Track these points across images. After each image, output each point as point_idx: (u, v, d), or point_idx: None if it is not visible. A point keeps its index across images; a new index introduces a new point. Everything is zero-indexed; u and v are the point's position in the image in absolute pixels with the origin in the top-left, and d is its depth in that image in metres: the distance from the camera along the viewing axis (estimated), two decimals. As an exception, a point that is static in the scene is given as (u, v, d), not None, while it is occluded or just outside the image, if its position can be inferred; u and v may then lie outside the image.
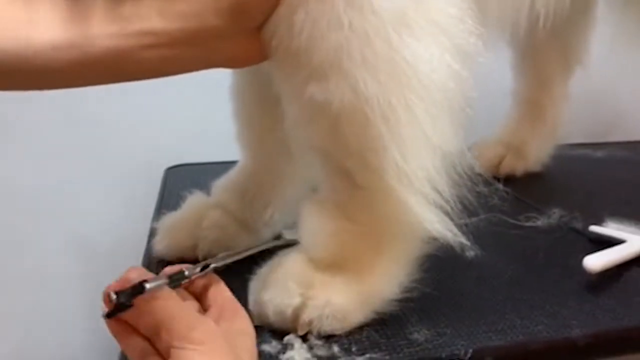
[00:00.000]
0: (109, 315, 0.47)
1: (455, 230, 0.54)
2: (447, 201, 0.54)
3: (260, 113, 0.70)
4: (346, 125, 0.51)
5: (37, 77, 0.48)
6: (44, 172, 1.19)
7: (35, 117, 1.14)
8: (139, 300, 0.45)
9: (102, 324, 0.48)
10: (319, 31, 0.49)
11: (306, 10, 0.49)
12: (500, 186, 0.64)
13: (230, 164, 0.83)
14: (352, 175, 0.55)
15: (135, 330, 0.47)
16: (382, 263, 0.57)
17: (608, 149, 1.19)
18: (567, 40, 0.97)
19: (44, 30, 0.46)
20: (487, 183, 0.56)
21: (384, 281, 0.57)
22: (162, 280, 0.48)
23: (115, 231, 1.21)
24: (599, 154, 1.16)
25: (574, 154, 1.14)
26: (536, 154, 1.04)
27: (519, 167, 1.03)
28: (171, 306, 0.46)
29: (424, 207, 0.53)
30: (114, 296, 0.45)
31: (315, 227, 0.58)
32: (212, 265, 0.56)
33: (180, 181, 1.02)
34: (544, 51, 0.99)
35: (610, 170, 1.07)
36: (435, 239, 0.55)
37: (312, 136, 0.55)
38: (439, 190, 0.53)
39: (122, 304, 0.45)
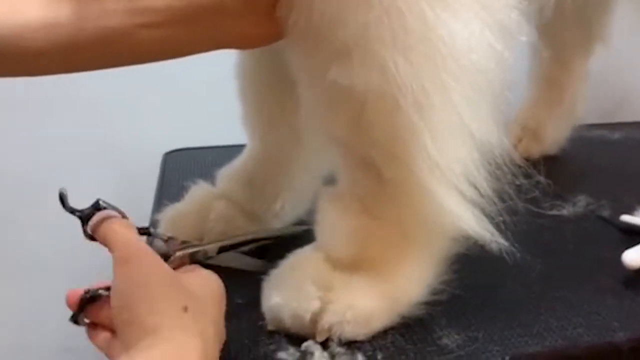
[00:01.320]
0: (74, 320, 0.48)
1: (493, 229, 0.49)
2: (484, 196, 0.49)
3: (271, 95, 0.64)
4: (372, 112, 0.46)
5: (28, 60, 0.43)
6: (36, 157, 1.14)
7: (28, 101, 1.09)
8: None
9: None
10: (345, 7, 0.44)
11: None
12: (542, 179, 0.59)
13: (230, 148, 0.79)
14: (377, 167, 0.49)
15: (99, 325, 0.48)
16: (408, 263, 0.52)
17: (625, 130, 1.14)
18: (589, 16, 0.91)
19: (32, 8, 0.41)
20: (526, 175, 0.51)
21: (410, 283, 0.53)
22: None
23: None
24: (616, 135, 1.11)
25: (590, 135, 1.09)
26: (553, 137, 0.99)
27: (536, 150, 0.98)
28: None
29: (459, 203, 0.48)
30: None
31: (334, 224, 0.53)
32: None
33: (179, 167, 0.97)
34: (565, 28, 0.93)
35: (629, 153, 1.03)
36: (467, 237, 0.50)
37: (332, 124, 0.50)
38: (475, 184, 0.48)
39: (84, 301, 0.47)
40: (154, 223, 0.69)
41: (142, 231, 0.53)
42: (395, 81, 0.44)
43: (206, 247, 0.59)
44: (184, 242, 0.58)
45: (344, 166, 0.53)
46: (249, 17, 0.48)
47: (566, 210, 0.76)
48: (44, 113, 1.10)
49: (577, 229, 0.72)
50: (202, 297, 0.46)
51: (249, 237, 0.63)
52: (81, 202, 1.16)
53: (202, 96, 1.13)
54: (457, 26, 0.45)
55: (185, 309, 0.43)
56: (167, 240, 0.57)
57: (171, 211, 0.68)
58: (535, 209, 0.74)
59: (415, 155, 0.47)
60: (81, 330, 0.50)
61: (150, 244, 0.54)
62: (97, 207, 0.52)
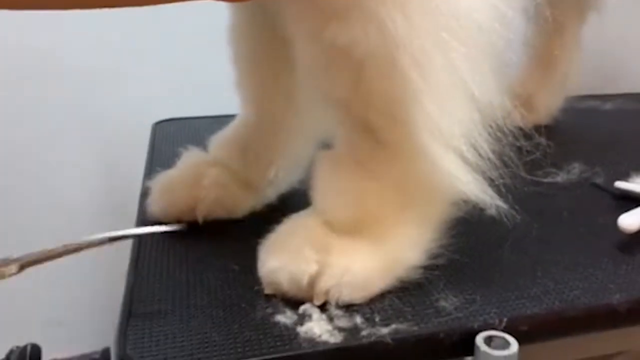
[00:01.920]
0: None
1: (493, 192, 0.49)
2: (485, 160, 0.48)
3: (264, 60, 0.63)
4: (371, 73, 0.45)
5: None
6: (25, 127, 1.12)
7: (16, 70, 1.07)
8: None
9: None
10: None
11: None
12: (544, 140, 0.58)
13: (220, 118, 0.77)
14: (375, 129, 0.49)
15: None
16: (407, 226, 0.52)
17: (616, 101, 1.14)
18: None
19: None
20: (528, 140, 0.50)
21: (408, 246, 0.52)
22: None
23: (102, 189, 1.15)
24: (608, 106, 1.11)
25: (583, 106, 1.08)
26: (546, 106, 0.99)
27: (529, 120, 0.97)
28: None
29: (459, 166, 0.48)
30: None
31: (332, 187, 0.52)
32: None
33: (169, 136, 0.95)
34: (558, -4, 0.92)
35: (621, 123, 1.03)
36: (466, 200, 0.50)
37: (330, 85, 0.48)
38: (476, 147, 0.48)
39: None
40: (145, 190, 0.68)
41: None
42: (393, 40, 0.43)
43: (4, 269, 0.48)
44: None
45: (342, 128, 0.52)
46: None
47: (560, 178, 0.76)
48: (32, 83, 1.09)
49: (572, 195, 0.72)
50: None
51: (54, 252, 0.50)
52: (66, 172, 1.16)
53: (190, 66, 1.11)
54: None
55: None
56: None
57: (163, 178, 0.67)
58: (530, 177, 0.74)
59: (415, 116, 0.46)
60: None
61: None
62: None
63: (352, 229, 0.51)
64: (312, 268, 0.50)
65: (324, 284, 0.50)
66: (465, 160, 0.48)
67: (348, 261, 0.50)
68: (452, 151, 0.47)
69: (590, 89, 1.21)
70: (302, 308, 0.50)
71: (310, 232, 0.52)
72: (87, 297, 1.18)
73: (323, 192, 0.53)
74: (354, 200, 0.51)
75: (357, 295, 0.50)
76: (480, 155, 0.49)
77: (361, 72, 0.46)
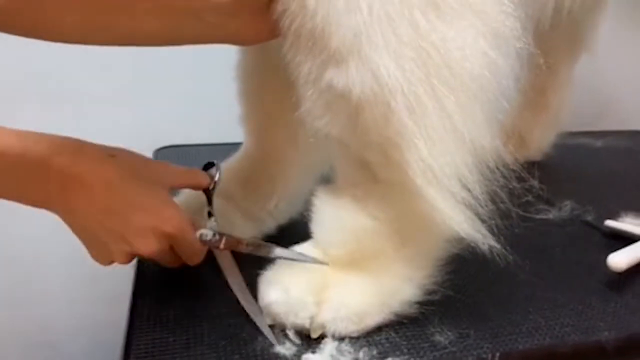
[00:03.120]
0: None
1: (485, 231, 0.51)
2: (477, 199, 0.50)
3: (269, 96, 0.65)
4: (367, 116, 0.47)
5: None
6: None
7: (19, 93, 1.08)
8: None
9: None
10: (335, 12, 0.45)
11: None
12: (536, 183, 0.60)
13: (221, 146, 0.79)
14: (372, 168, 0.51)
15: None
16: (402, 263, 0.53)
17: (607, 138, 1.17)
18: (576, 25, 0.93)
19: None
20: (520, 179, 0.52)
21: (403, 282, 0.54)
22: None
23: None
24: (599, 143, 1.14)
25: (575, 143, 1.11)
26: (538, 143, 1.02)
27: (520, 155, 1.00)
28: None
29: (452, 206, 0.49)
30: None
31: (330, 221, 0.54)
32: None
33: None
34: (551, 36, 0.95)
35: (613, 162, 1.05)
36: (460, 239, 0.51)
37: (329, 125, 0.50)
38: (468, 187, 0.50)
39: None
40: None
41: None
42: (387, 86, 0.45)
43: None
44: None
45: (340, 165, 0.54)
46: (243, 17, 0.49)
47: (552, 215, 0.78)
48: (35, 107, 1.09)
49: (563, 232, 0.74)
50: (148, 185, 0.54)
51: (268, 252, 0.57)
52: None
53: (192, 94, 1.13)
54: (450, 34, 0.46)
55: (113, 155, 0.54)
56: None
57: None
58: (522, 213, 0.76)
59: (408, 157, 0.48)
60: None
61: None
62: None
63: (349, 263, 0.53)
64: (310, 301, 0.51)
65: (321, 317, 0.51)
66: (457, 199, 0.50)
67: (345, 295, 0.52)
68: (445, 191, 0.49)
69: (581, 124, 1.24)
70: (301, 340, 0.51)
71: (309, 265, 0.53)
72: (87, 323, 1.18)
73: (322, 226, 0.55)
74: (351, 235, 0.53)
75: (353, 328, 0.52)
76: (472, 194, 0.50)
77: (357, 114, 0.48)
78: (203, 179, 0.63)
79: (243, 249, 0.58)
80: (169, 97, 1.13)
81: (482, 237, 0.51)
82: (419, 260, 0.54)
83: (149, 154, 1.03)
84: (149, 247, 0.53)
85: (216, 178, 0.63)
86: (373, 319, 0.53)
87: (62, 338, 1.20)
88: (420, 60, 0.46)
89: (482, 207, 0.51)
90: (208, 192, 0.63)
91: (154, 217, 0.54)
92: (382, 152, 0.49)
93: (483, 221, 0.51)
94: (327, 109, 0.49)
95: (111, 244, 0.53)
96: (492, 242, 0.51)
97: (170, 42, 0.52)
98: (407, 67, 0.45)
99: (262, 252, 0.57)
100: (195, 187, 0.63)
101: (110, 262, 0.56)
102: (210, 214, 0.61)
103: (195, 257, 0.58)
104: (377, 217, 0.52)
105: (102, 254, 0.55)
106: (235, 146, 0.73)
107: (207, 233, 0.57)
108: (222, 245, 0.57)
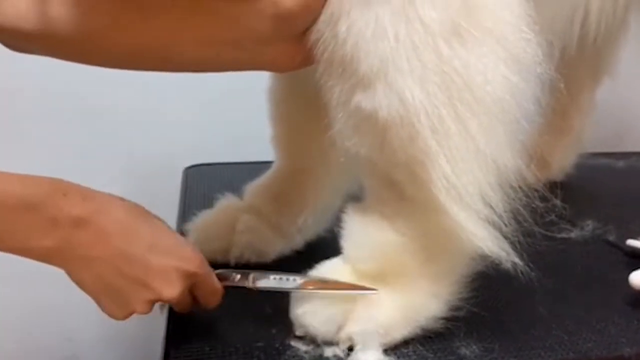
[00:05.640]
0: None
1: (509, 248, 0.52)
2: (500, 217, 0.52)
3: (300, 118, 0.68)
4: (393, 136, 0.50)
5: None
6: (56, 169, 1.16)
7: (48, 111, 1.11)
8: None
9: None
10: (364, 41, 0.48)
11: (348, 20, 0.48)
12: (559, 203, 0.62)
13: (249, 165, 0.81)
14: (399, 186, 0.53)
15: None
16: (429, 279, 0.55)
17: (629, 159, 1.17)
18: (599, 51, 0.95)
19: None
20: (543, 199, 0.54)
21: (429, 298, 0.55)
22: None
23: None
24: (621, 164, 1.15)
25: (596, 163, 1.12)
26: (560, 164, 1.03)
27: (542, 176, 1.01)
28: None
29: (475, 223, 0.51)
30: None
31: (360, 238, 0.56)
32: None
33: (201, 181, 1.00)
34: (574, 60, 0.97)
35: (634, 182, 1.06)
36: (484, 256, 0.53)
37: (358, 145, 0.53)
38: (491, 206, 0.52)
39: None
40: (183, 233, 0.73)
41: None
42: (412, 108, 0.48)
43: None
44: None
45: (369, 183, 0.57)
46: (281, 45, 0.52)
47: (574, 234, 0.79)
48: (64, 125, 1.13)
49: (585, 251, 0.75)
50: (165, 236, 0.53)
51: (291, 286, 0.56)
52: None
53: (221, 112, 1.16)
54: (472, 59, 0.48)
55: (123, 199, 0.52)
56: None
57: (200, 221, 0.72)
58: (545, 232, 0.78)
59: (434, 177, 0.50)
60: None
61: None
62: None
63: (377, 278, 0.55)
64: (339, 314, 0.54)
65: (348, 329, 0.54)
66: (481, 217, 0.52)
67: (372, 310, 0.54)
68: (469, 209, 0.51)
69: (603, 146, 1.25)
70: (331, 351, 0.53)
71: (339, 279, 0.56)
72: (111, 334, 1.20)
73: (351, 241, 0.57)
74: (379, 252, 0.55)
75: (379, 342, 0.53)
76: (496, 213, 0.52)
77: (384, 135, 0.50)
78: None
79: (261, 284, 0.57)
80: (198, 115, 1.16)
81: (505, 255, 0.52)
82: (445, 276, 0.56)
83: (178, 172, 1.07)
84: (173, 290, 0.51)
85: None
86: (399, 333, 0.55)
87: (86, 350, 1.23)
88: (443, 84, 0.48)
89: (505, 225, 0.53)
90: None
91: (175, 257, 0.52)
92: (408, 170, 0.51)
93: (507, 239, 0.53)
94: (356, 130, 0.52)
95: (131, 292, 0.50)
96: (516, 259, 0.53)
97: (208, 69, 0.55)
98: (430, 90, 0.48)
99: (280, 286, 0.56)
100: None
101: (129, 315, 0.52)
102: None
103: (215, 298, 0.56)
104: (404, 233, 0.54)
105: (120, 306, 0.51)
106: (264, 165, 0.76)
107: (227, 272, 0.58)
108: (237, 281, 0.57)
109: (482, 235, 0.52)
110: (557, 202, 0.62)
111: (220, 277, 0.57)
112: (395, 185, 0.53)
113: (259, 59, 0.54)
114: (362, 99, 0.50)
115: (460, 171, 0.50)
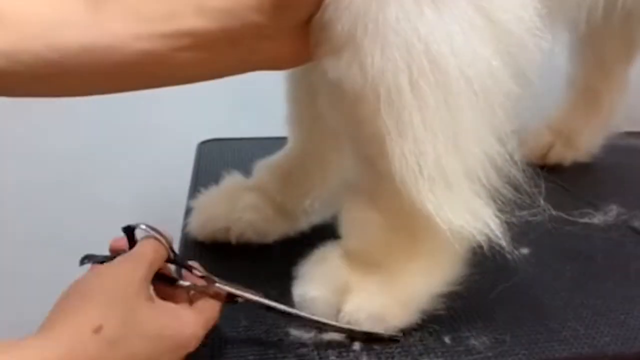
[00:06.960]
0: None
1: (505, 235, 0.49)
2: (498, 197, 0.49)
3: (314, 99, 0.66)
4: (359, 108, 0.47)
5: (67, 82, 0.45)
6: (74, 142, 1.18)
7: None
8: None
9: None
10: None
11: None
12: (565, 184, 0.59)
13: (264, 140, 0.79)
14: (372, 161, 0.50)
15: None
16: (419, 261, 0.53)
17: (658, 139, 1.13)
18: (632, 25, 0.90)
19: (72, 31, 0.43)
20: (543, 178, 0.51)
21: (421, 280, 0.53)
22: None
23: (149, 206, 1.19)
24: (649, 145, 1.10)
25: (624, 144, 1.07)
26: (587, 144, 0.99)
27: (568, 157, 0.98)
28: None
29: (437, 205, 0.48)
30: None
31: (346, 217, 0.55)
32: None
33: (214, 156, 0.98)
34: (606, 36, 0.92)
35: (663, 164, 1.02)
36: (491, 242, 0.50)
37: (335, 118, 0.51)
38: (488, 185, 0.49)
39: None
40: (188, 210, 0.71)
41: (171, 260, 0.50)
42: (372, 78, 0.44)
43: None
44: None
45: (353, 162, 0.54)
46: (282, 39, 0.48)
47: (597, 219, 0.76)
48: (80, 103, 1.13)
49: (607, 238, 0.72)
50: (152, 337, 0.42)
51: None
52: (114, 191, 1.20)
53: (234, 88, 1.14)
54: (440, 24, 0.44)
55: (98, 330, 0.39)
56: (203, 277, 0.50)
57: (203, 198, 0.71)
58: (566, 216, 0.75)
59: (394, 153, 0.47)
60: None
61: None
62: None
63: (368, 260, 0.53)
64: (334, 302, 0.52)
65: (345, 315, 0.52)
66: (447, 200, 0.48)
67: (366, 294, 0.52)
68: (429, 191, 0.47)
69: (632, 124, 1.20)
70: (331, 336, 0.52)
71: (333, 263, 0.54)
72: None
73: (344, 222, 0.55)
74: (363, 230, 0.53)
75: (377, 326, 0.52)
76: (493, 194, 0.49)
77: (354, 107, 0.47)
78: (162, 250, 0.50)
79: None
80: (213, 90, 1.14)
81: (486, 238, 0.49)
82: (436, 258, 0.53)
83: (192, 147, 1.05)
84: None
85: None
86: (397, 317, 0.52)
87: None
88: (404, 48, 0.44)
89: (507, 207, 0.50)
90: (176, 262, 0.51)
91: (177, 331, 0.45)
92: (378, 145, 0.48)
93: (506, 224, 0.50)
94: (330, 103, 0.50)
95: None
96: (502, 242, 0.49)
97: (208, 75, 0.50)
98: (390, 55, 0.44)
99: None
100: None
101: None
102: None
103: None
104: (384, 210, 0.52)
105: None
106: (278, 140, 0.74)
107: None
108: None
109: (452, 215, 0.48)
110: (577, 185, 0.58)
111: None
112: (369, 161, 0.50)
113: (261, 57, 0.49)
114: (327, 67, 0.47)
115: (418, 152, 0.46)
